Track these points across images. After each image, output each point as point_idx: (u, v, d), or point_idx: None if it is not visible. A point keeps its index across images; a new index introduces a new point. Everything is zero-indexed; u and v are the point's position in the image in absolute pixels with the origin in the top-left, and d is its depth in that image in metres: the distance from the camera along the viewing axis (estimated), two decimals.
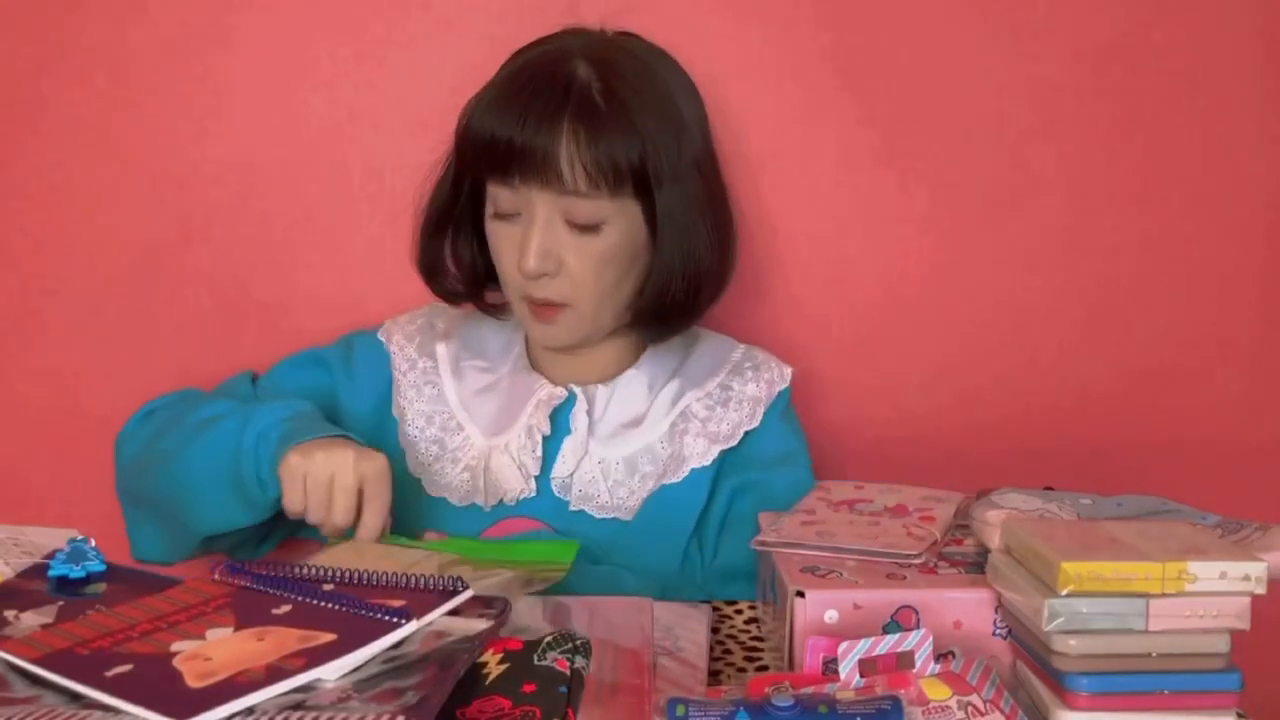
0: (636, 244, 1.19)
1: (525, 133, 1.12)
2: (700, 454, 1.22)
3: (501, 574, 0.95)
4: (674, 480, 1.22)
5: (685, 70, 1.24)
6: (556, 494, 1.22)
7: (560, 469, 1.22)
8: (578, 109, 1.13)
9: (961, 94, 1.41)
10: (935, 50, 1.40)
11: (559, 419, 1.23)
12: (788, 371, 1.29)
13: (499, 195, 1.17)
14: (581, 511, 1.21)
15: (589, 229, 1.16)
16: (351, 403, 1.27)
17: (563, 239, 1.16)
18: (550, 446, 1.22)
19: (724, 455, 1.24)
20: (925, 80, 1.41)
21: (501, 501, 1.21)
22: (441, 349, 1.28)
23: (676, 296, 1.20)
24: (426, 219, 1.25)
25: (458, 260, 1.26)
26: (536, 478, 1.21)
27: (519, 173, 1.14)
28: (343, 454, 1.05)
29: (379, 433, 1.25)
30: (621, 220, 1.17)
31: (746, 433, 1.25)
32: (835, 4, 1.40)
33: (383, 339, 1.30)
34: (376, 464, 1.06)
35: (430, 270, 1.27)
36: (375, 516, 1.05)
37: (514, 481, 1.21)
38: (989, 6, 1.40)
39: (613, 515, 1.21)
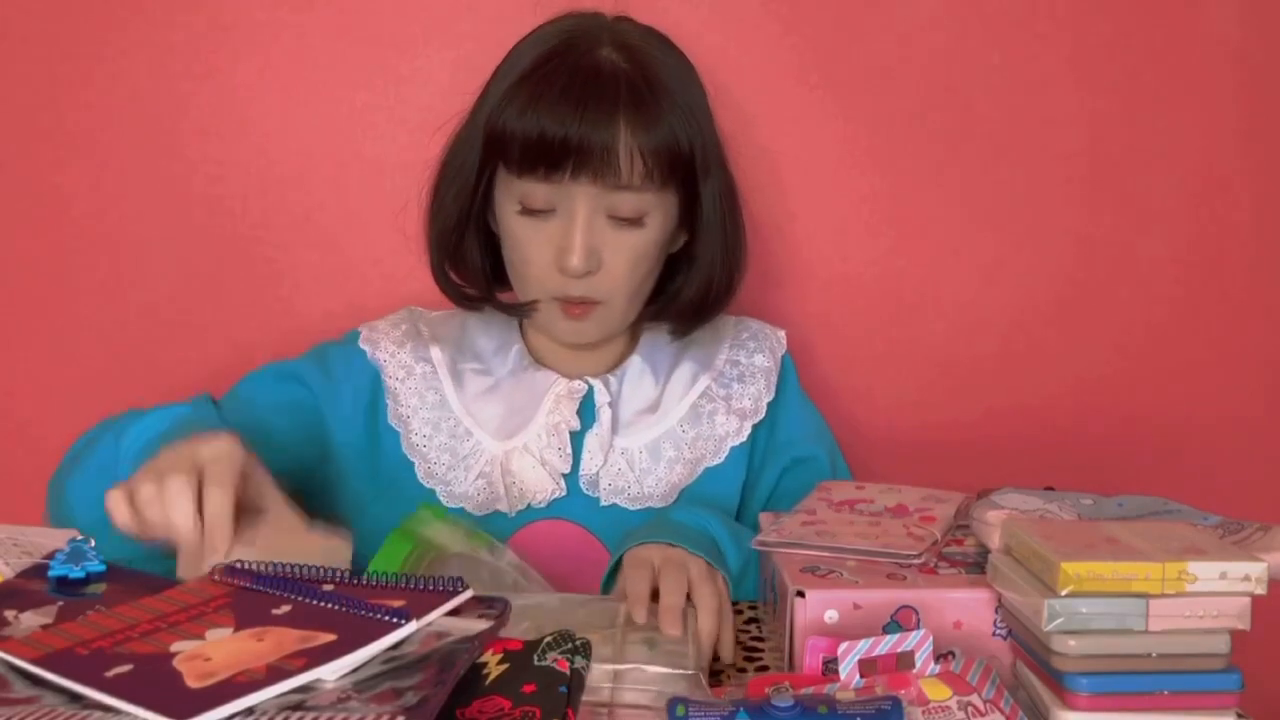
0: (669, 237, 1.18)
1: (583, 128, 1.07)
2: (735, 431, 1.22)
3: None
4: (716, 462, 1.21)
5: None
6: (585, 491, 1.18)
7: (588, 464, 1.18)
8: (630, 100, 1.09)
9: (962, 93, 1.41)
10: (936, 52, 1.40)
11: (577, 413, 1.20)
12: (781, 335, 1.29)
13: (532, 191, 1.11)
14: (614, 506, 1.17)
15: (632, 222, 1.13)
16: (339, 415, 1.20)
17: (604, 235, 1.13)
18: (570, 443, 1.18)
19: (755, 432, 1.23)
20: (926, 80, 1.41)
21: (529, 506, 1.17)
22: (436, 353, 1.22)
23: (719, 287, 1.20)
24: (449, 222, 1.18)
25: (471, 263, 1.20)
26: (565, 476, 1.17)
27: (573, 167, 1.08)
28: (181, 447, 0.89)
29: (373, 446, 1.20)
30: (660, 213, 1.15)
31: (770, 405, 1.24)
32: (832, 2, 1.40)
33: (365, 347, 1.22)
34: (214, 446, 0.88)
35: (447, 275, 1.21)
36: (215, 503, 0.85)
37: (541, 482, 1.16)
38: (984, 7, 1.40)
39: (647, 505, 1.17)
